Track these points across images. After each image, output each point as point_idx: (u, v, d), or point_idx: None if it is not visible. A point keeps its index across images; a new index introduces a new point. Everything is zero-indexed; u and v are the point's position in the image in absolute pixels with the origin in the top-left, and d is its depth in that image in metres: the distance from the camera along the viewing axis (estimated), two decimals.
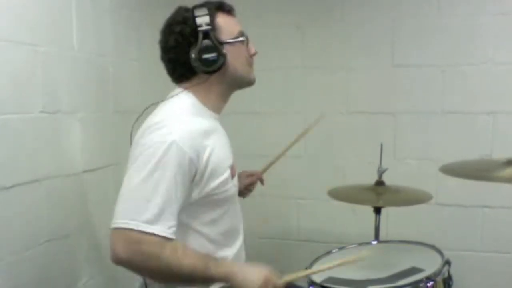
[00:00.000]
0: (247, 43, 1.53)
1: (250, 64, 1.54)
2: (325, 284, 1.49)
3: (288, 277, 1.42)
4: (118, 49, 2.14)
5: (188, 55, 1.43)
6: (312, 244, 2.61)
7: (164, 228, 1.27)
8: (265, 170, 1.91)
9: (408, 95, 2.47)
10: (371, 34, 2.49)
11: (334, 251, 1.79)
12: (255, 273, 1.36)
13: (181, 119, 1.38)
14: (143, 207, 1.25)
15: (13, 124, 1.55)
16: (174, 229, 1.29)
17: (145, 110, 1.47)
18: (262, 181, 1.93)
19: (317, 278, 1.53)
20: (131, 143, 1.40)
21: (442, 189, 2.36)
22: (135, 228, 1.24)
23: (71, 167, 1.83)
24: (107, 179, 2.06)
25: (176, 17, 1.48)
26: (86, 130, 1.91)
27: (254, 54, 1.55)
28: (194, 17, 1.43)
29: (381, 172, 2.02)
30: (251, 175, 1.88)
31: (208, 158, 1.36)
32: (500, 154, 1.85)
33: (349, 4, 2.51)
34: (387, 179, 2.03)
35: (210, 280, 1.34)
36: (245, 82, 1.54)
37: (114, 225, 1.26)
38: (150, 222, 1.25)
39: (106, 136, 2.05)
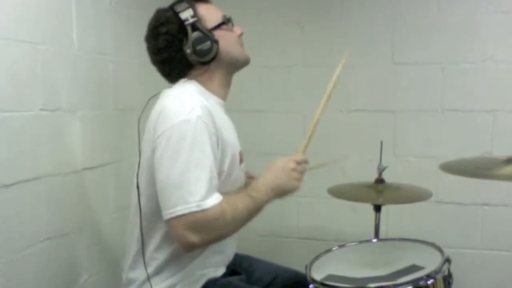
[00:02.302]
0: (232, 26, 1.56)
1: (241, 44, 1.58)
2: (326, 282, 1.48)
3: (301, 147, 1.53)
4: (118, 47, 2.14)
5: (182, 51, 1.45)
6: (312, 242, 2.61)
7: (217, 195, 1.31)
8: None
9: (408, 93, 2.47)
10: (371, 32, 2.49)
11: (334, 249, 1.78)
12: (277, 171, 1.45)
13: (193, 96, 1.40)
14: (196, 187, 1.28)
15: (13, 122, 1.54)
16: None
17: (146, 104, 1.48)
18: None
19: (318, 276, 1.53)
20: (139, 138, 1.42)
21: (442, 187, 2.36)
22: (198, 209, 1.26)
23: (71, 165, 1.83)
24: (107, 177, 2.06)
25: (158, 19, 1.49)
26: (86, 128, 1.91)
27: (241, 34, 1.58)
28: (177, 14, 1.45)
29: (381, 170, 2.02)
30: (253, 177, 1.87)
31: (221, 133, 1.40)
32: (500, 152, 1.86)
33: (349, 2, 2.51)
34: (387, 176, 2.02)
35: (262, 205, 1.41)
36: (242, 62, 1.57)
37: (174, 214, 1.27)
38: (206, 197, 1.28)
39: (106, 134, 2.05)
